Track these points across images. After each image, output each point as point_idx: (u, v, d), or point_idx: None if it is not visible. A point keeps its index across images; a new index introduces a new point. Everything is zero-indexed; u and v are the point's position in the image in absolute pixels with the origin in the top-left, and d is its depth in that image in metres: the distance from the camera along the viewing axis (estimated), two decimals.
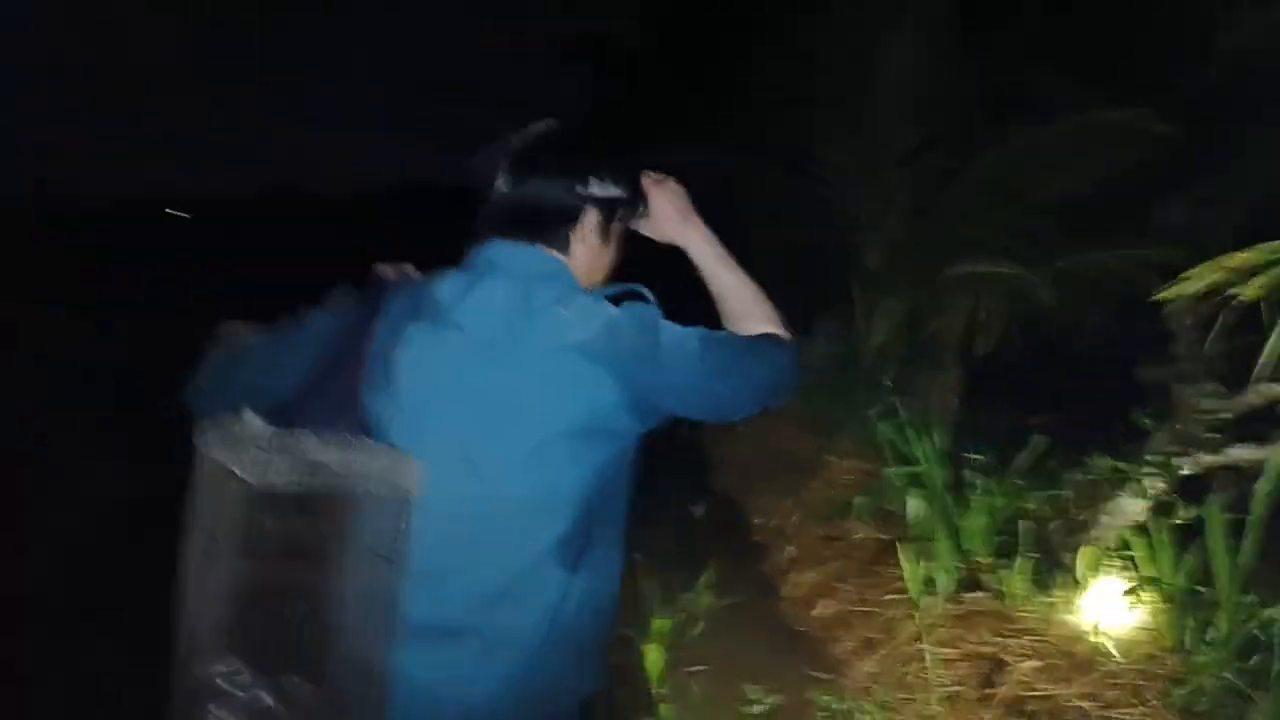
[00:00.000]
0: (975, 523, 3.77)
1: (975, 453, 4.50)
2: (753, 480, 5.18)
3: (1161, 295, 2.60)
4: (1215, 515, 2.98)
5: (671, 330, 1.29)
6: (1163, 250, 5.09)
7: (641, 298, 1.32)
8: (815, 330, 6.69)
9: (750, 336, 1.38)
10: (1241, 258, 2.54)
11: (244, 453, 1.09)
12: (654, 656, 3.23)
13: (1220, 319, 3.36)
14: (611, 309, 1.27)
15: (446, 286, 1.28)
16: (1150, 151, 5.18)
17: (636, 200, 1.43)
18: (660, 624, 3.38)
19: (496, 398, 1.23)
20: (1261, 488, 2.89)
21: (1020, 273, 5.16)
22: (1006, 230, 5.64)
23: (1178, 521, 3.65)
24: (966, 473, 4.17)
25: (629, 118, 9.02)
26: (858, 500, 4.30)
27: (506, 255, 1.31)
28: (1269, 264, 2.43)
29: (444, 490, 1.18)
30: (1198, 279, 2.56)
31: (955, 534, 3.78)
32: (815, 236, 6.46)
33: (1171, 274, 5.04)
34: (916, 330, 5.98)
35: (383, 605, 1.13)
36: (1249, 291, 2.27)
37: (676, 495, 5.01)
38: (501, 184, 1.33)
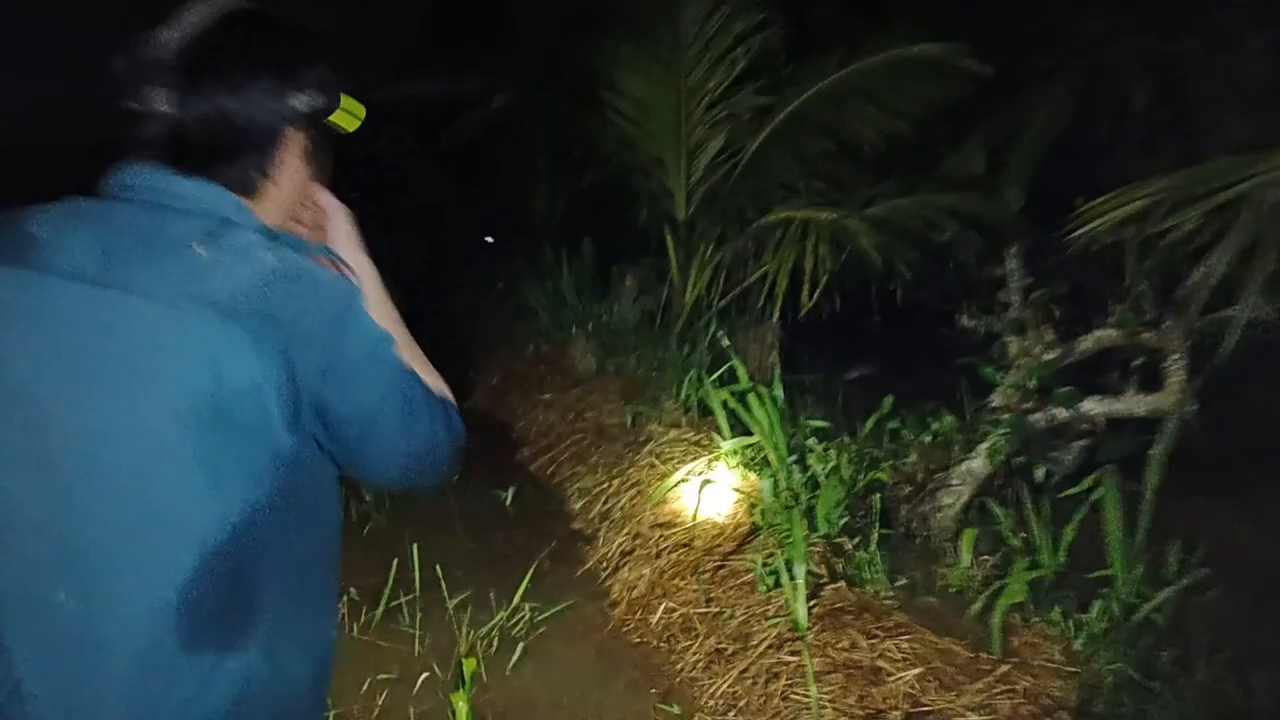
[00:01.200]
0: (828, 499, 3.32)
1: (811, 417, 4.10)
2: (565, 458, 4.53)
3: (1076, 234, 2.15)
4: (1112, 490, 2.64)
5: (367, 321, 1.02)
6: (967, 197, 4.95)
7: (339, 267, 1.08)
8: (626, 282, 6.11)
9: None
10: (1156, 188, 2.15)
11: None
12: (463, 710, 2.53)
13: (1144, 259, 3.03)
14: (285, 260, 0.99)
15: (45, 220, 1.00)
16: (963, 90, 4.96)
17: (335, 94, 1.11)
18: (468, 665, 2.68)
19: (88, 365, 0.94)
20: (1157, 453, 2.57)
21: (844, 216, 4.79)
22: (821, 174, 5.28)
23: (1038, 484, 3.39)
24: (811, 441, 3.72)
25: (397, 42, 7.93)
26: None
27: (144, 181, 1.02)
28: (1193, 198, 2.04)
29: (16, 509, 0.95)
30: (1108, 214, 2.14)
31: (808, 514, 3.31)
32: (617, 179, 5.84)
33: (972, 221, 5.02)
34: (734, 282, 5.53)
35: None
36: (1187, 224, 1.86)
37: (478, 481, 4.28)
38: (159, 99, 1.01)
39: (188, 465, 0.94)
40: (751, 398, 3.70)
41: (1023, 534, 3.23)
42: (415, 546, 3.35)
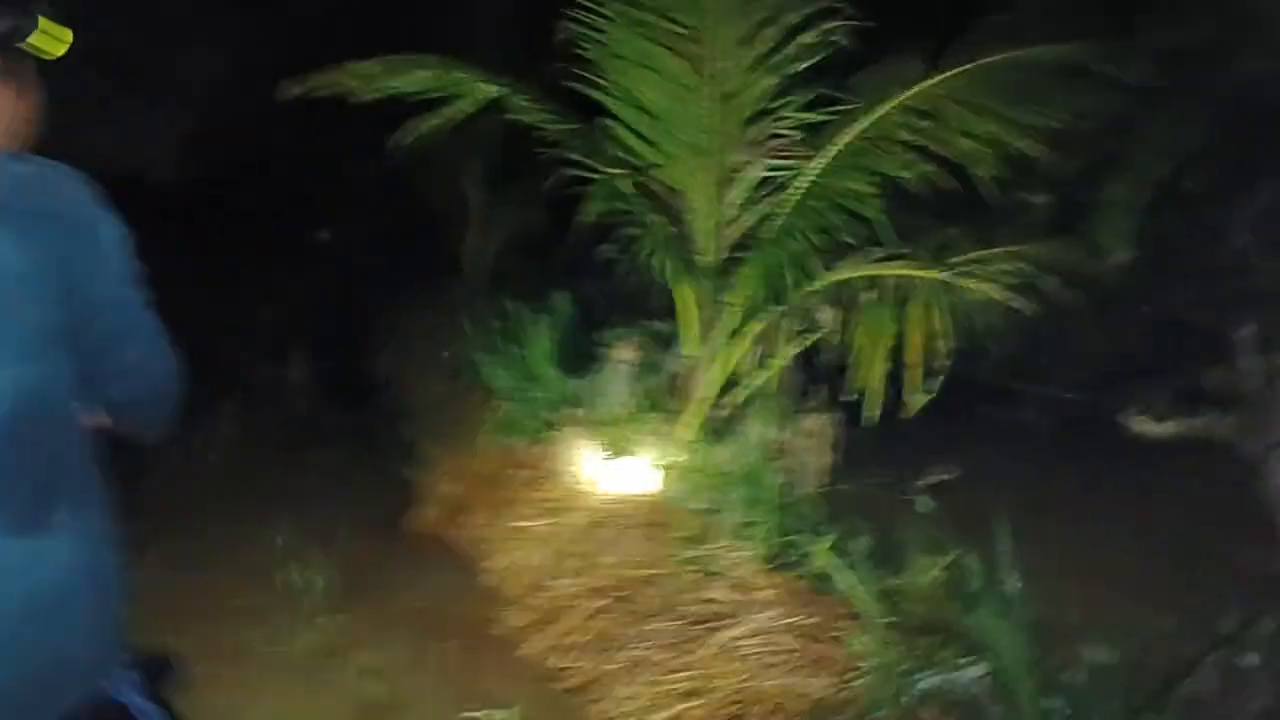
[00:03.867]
0: None
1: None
2: (585, 644, 2.96)
3: None
4: None
5: (117, 224, 1.17)
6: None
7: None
8: (619, 354, 4.59)
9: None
10: None
11: None
12: None
13: None
14: (24, 166, 1.13)
15: None
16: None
17: (29, 16, 1.15)
18: None
19: None
20: None
21: (957, 273, 3.44)
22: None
23: None
24: None
25: None
26: None
27: None
28: None
29: None
30: None
31: None
32: (611, 213, 4.31)
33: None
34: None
35: None
36: None
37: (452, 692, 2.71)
38: None
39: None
40: None
41: None
42: None
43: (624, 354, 4.59)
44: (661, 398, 4.42)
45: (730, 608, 2.83)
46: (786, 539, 3.17)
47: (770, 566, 3.06)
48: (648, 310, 4.87)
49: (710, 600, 2.87)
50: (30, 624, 1.06)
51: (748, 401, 4.10)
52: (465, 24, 6.49)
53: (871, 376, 3.42)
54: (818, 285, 3.83)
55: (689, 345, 4.20)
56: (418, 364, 6.07)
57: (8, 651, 1.05)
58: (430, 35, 5.36)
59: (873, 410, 3.34)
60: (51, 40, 1.16)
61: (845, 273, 3.73)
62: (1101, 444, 4.31)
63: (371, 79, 3.86)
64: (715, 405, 4.15)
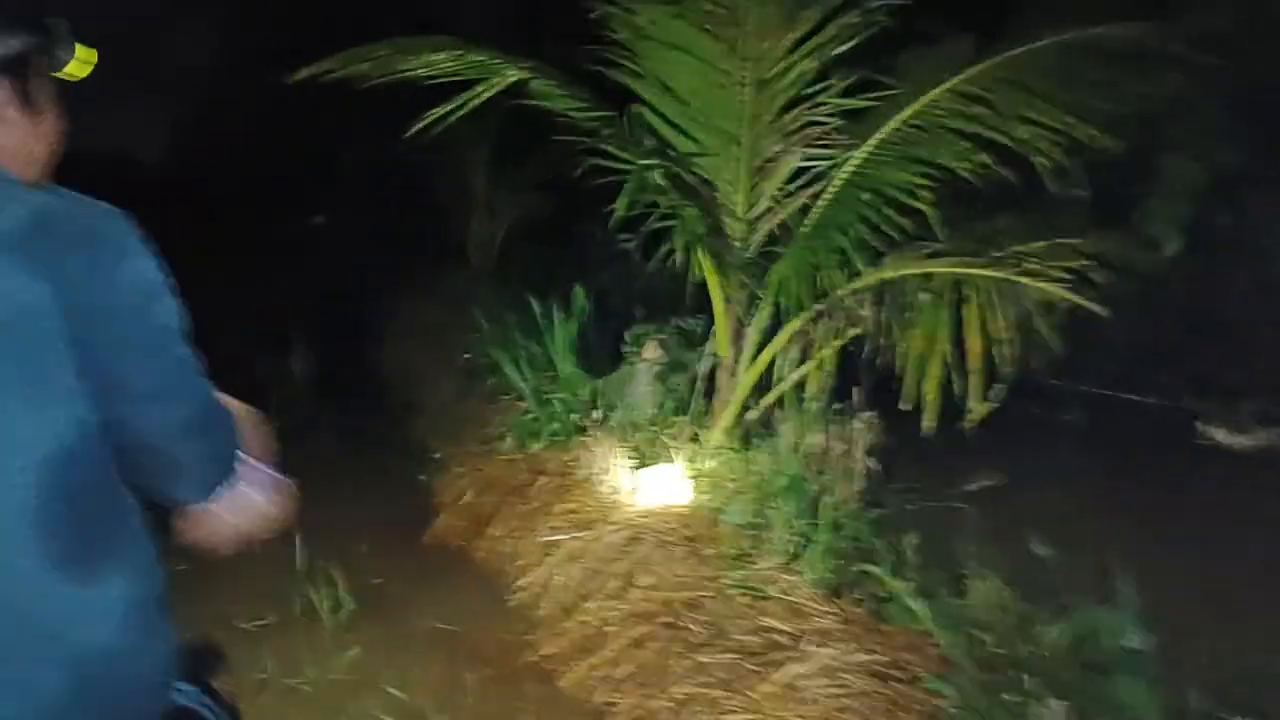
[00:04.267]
0: None
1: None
2: (629, 679, 2.75)
3: None
4: None
5: (147, 257, 1.05)
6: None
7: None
8: (645, 352, 4.36)
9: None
10: None
11: None
12: None
13: None
14: (45, 196, 1.02)
15: None
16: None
17: (50, 44, 1.09)
18: None
19: None
20: None
21: (1016, 270, 3.22)
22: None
23: None
24: None
25: None
26: None
27: None
28: None
29: None
30: None
31: None
32: (635, 204, 4.07)
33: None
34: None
35: None
36: None
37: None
38: None
39: (7, 385, 0.95)
40: None
41: None
42: None
43: (650, 353, 4.37)
44: (690, 400, 4.21)
45: (787, 638, 2.62)
46: (841, 559, 2.96)
47: (826, 590, 2.86)
48: (670, 305, 4.65)
49: (766, 629, 2.66)
50: (80, 671, 1.00)
51: (782, 404, 3.88)
52: (477, 4, 6.23)
53: (928, 384, 3.19)
54: (860, 283, 3.61)
55: (721, 345, 3.98)
56: (427, 358, 5.82)
57: (57, 702, 0.99)
58: (438, 18, 5.10)
59: (930, 422, 3.12)
60: (79, 64, 1.12)
61: (894, 269, 3.49)
62: (1175, 452, 4.06)
63: (384, 62, 3.60)
64: (749, 408, 3.95)
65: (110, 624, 1.02)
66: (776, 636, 2.64)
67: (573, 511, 3.58)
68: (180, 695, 1.16)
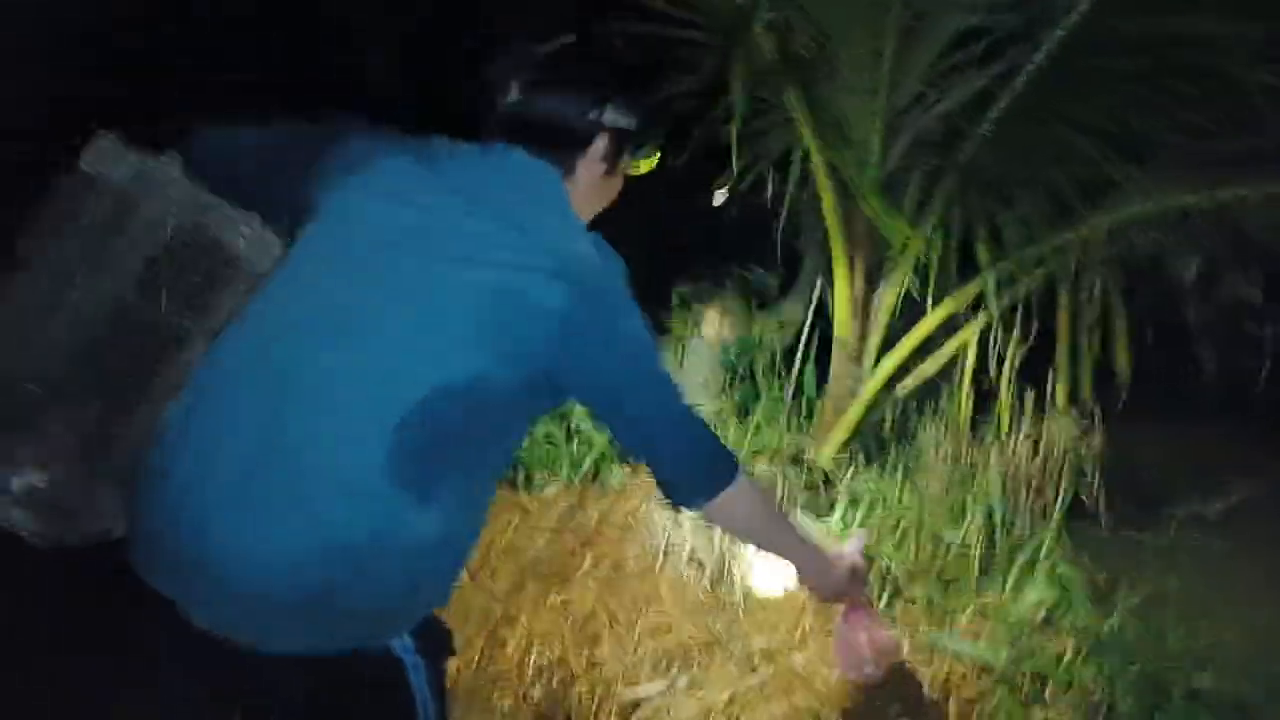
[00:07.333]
0: None
1: None
2: None
3: None
4: None
5: (637, 316, 1.15)
6: None
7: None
8: (704, 323, 3.03)
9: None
10: None
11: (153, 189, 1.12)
12: None
13: None
14: (589, 244, 1.16)
15: (424, 150, 1.20)
16: None
17: (647, 136, 1.27)
18: None
19: (427, 242, 1.12)
20: None
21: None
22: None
23: None
24: None
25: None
26: None
27: (504, 151, 1.20)
28: None
29: (319, 351, 1.09)
30: None
31: None
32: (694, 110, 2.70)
33: None
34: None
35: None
36: None
37: None
38: (514, 93, 1.21)
39: (466, 333, 1.08)
40: None
41: None
42: None
43: (711, 326, 3.04)
44: (764, 394, 2.93)
45: None
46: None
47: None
48: (728, 251, 3.29)
49: None
50: (384, 564, 1.06)
51: (919, 406, 2.69)
52: None
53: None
54: (1034, 250, 2.42)
55: (840, 319, 2.71)
56: None
57: (360, 574, 1.05)
58: None
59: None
60: (646, 163, 1.28)
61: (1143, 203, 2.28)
62: None
63: None
64: (873, 409, 2.71)
65: (427, 531, 1.07)
66: None
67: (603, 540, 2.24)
68: (398, 644, 1.13)
